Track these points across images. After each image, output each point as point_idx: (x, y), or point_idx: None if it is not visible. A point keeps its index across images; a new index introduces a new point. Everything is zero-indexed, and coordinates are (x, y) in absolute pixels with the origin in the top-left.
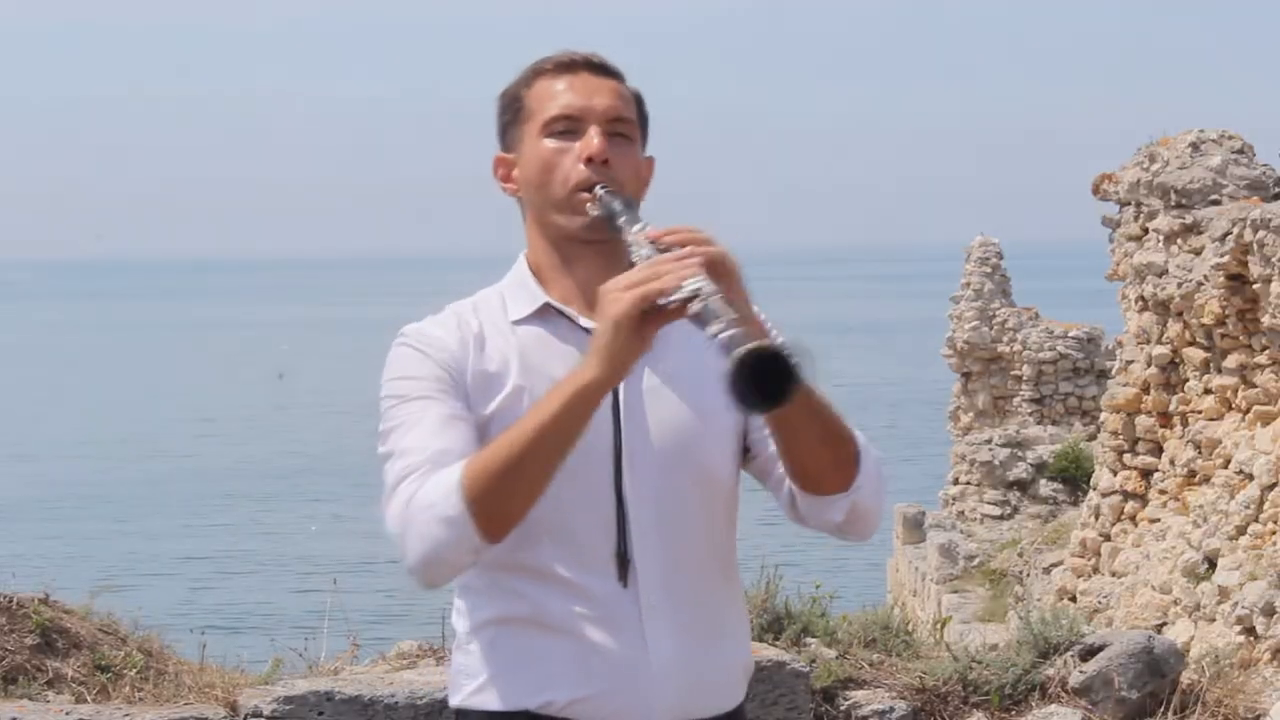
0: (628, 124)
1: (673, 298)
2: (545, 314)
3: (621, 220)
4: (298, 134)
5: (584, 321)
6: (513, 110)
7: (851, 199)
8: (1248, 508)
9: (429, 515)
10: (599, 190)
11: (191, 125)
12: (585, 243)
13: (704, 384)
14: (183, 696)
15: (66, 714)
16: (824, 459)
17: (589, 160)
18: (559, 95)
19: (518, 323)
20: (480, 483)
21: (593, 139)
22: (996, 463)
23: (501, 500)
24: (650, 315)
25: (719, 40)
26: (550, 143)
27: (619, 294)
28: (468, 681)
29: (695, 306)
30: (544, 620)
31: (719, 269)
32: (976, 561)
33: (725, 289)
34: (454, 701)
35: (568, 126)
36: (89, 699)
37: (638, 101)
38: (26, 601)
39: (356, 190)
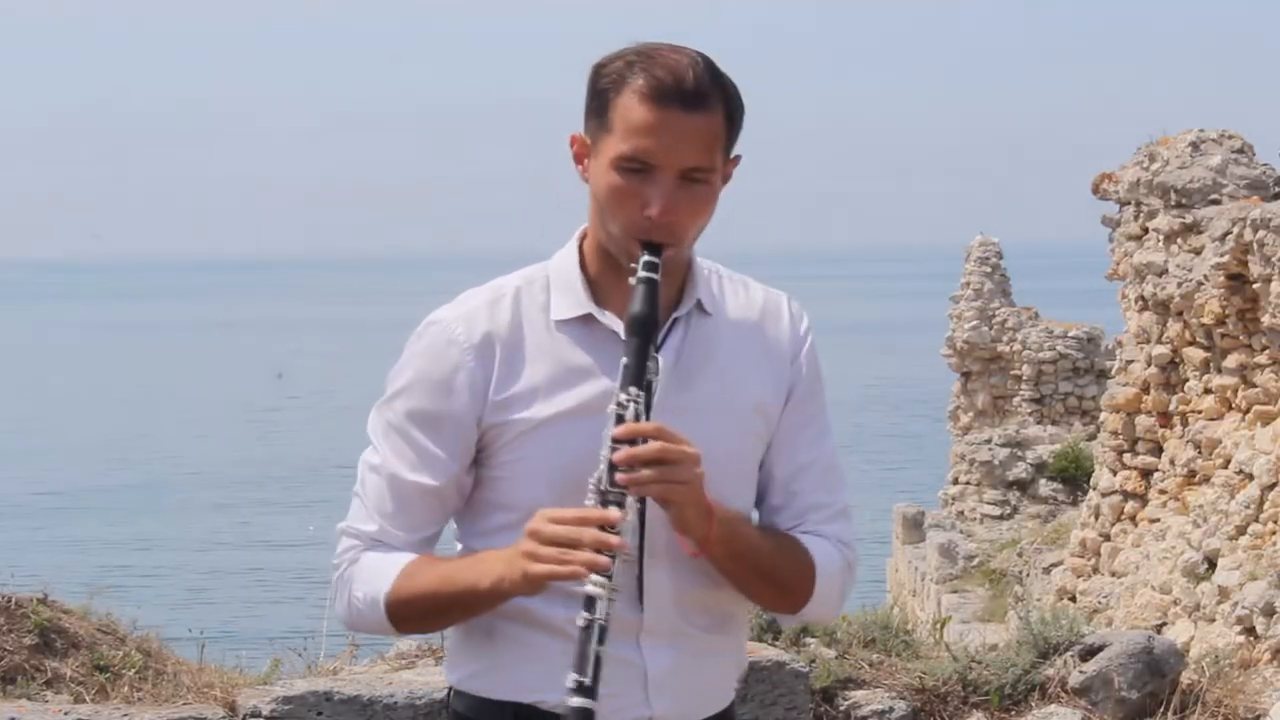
0: (705, 171)
1: (575, 587)
2: (588, 322)
3: (622, 362)
4: (298, 134)
5: (624, 333)
6: (598, 102)
7: (851, 199)
8: (1248, 508)
9: (354, 605)
10: (641, 271)
11: (191, 124)
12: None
13: (732, 418)
14: (181, 696)
15: (65, 714)
16: (768, 599)
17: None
18: (640, 132)
19: (559, 324)
20: (400, 609)
21: (659, 197)
22: (996, 462)
23: (415, 626)
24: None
25: (718, 35)
26: (618, 177)
27: (535, 552)
28: (465, 664)
29: (580, 619)
30: (543, 621)
31: (670, 497)
32: (976, 561)
33: (672, 511)
34: (450, 679)
35: (640, 167)
36: (88, 699)
37: (729, 112)
38: (25, 601)
39: (357, 190)
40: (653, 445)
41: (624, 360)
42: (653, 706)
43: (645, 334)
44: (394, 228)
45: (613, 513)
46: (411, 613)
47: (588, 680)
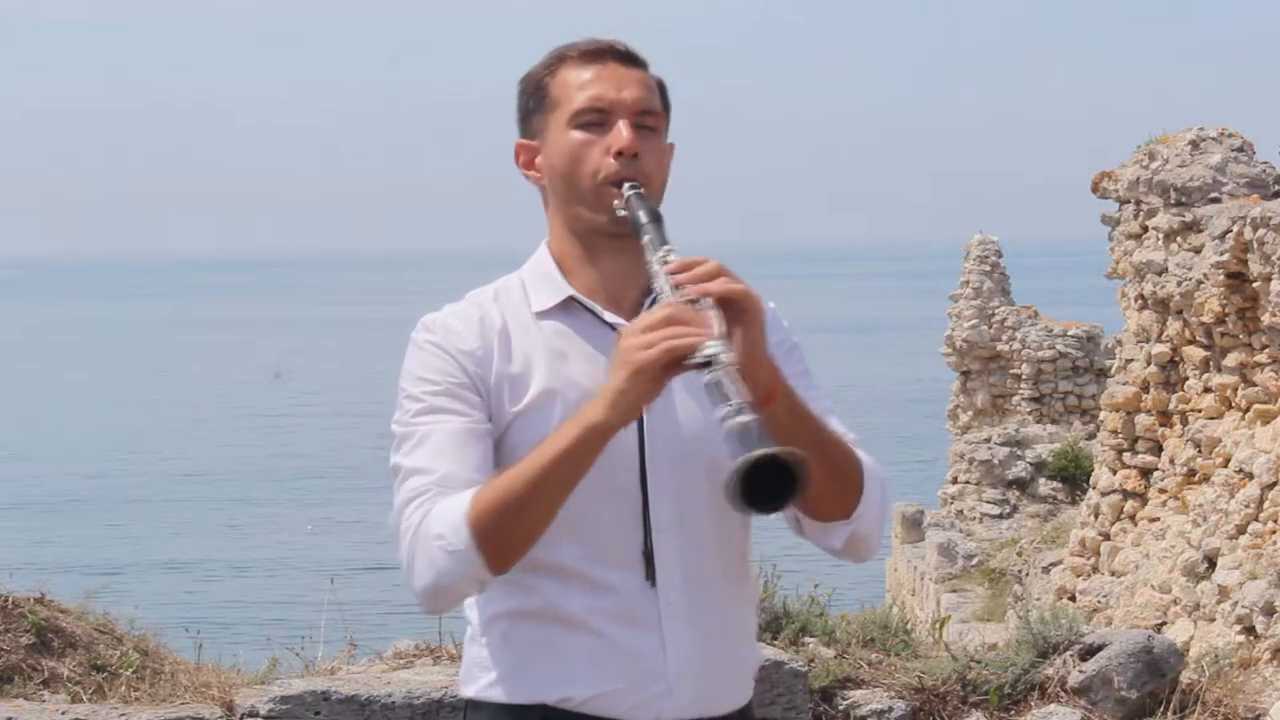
0: (655, 116)
1: (690, 360)
2: (569, 307)
3: (646, 239)
4: (296, 132)
5: (608, 316)
6: (536, 97)
7: (850, 197)
8: (1247, 506)
9: (436, 546)
10: (628, 191)
11: (189, 123)
12: (611, 236)
13: None
14: (179, 696)
15: (62, 714)
16: (825, 488)
17: (618, 154)
18: (587, 85)
19: (540, 315)
20: (487, 518)
21: (622, 132)
22: (995, 461)
23: (507, 535)
24: (667, 367)
25: (718, 34)
26: (578, 134)
27: (640, 343)
28: (482, 674)
29: (708, 376)
30: (561, 615)
31: (735, 309)
32: (975, 561)
33: (741, 330)
34: (467, 693)
35: (596, 119)
36: (85, 699)
37: (661, 89)
38: (22, 601)
39: (356, 188)
40: (713, 262)
41: (642, 219)
42: (675, 695)
43: (658, 217)
44: (393, 227)
45: (689, 308)
46: (499, 519)
47: (743, 406)
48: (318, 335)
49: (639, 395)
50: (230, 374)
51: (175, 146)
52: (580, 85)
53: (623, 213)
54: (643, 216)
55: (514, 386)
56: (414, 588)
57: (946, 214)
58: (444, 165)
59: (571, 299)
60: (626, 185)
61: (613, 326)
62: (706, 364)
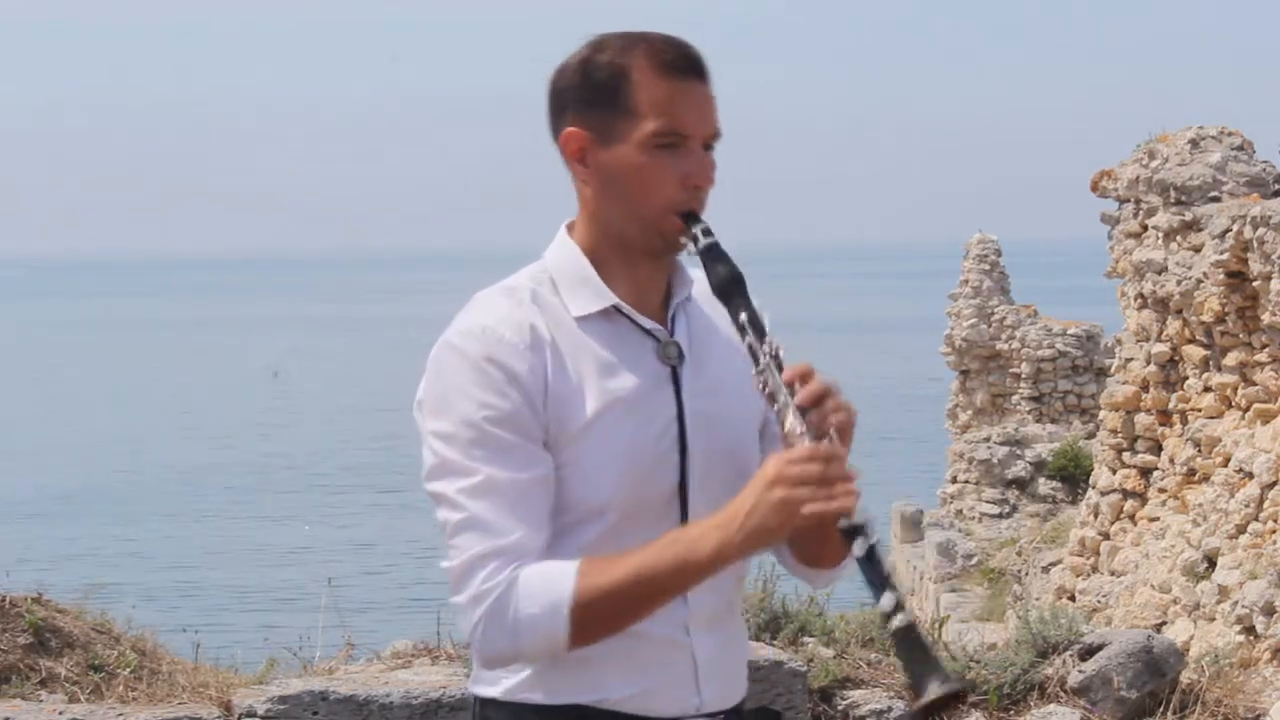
0: (718, 139)
1: (840, 524)
2: (608, 314)
3: (742, 317)
4: (297, 132)
5: (645, 323)
6: (607, 91)
7: (850, 197)
8: (1247, 506)
9: (528, 627)
10: (703, 240)
11: (186, 122)
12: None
13: (745, 393)
14: (176, 696)
15: (60, 714)
16: (829, 550)
17: (695, 186)
18: (668, 106)
19: (580, 320)
20: (591, 612)
21: (703, 165)
22: (995, 461)
23: (606, 629)
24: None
25: (715, 33)
26: (651, 156)
27: (797, 497)
28: (509, 674)
29: (857, 549)
30: None
31: (851, 426)
32: (975, 560)
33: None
34: (490, 693)
35: (673, 141)
36: (82, 699)
37: None
38: (19, 601)
39: (356, 189)
40: (826, 379)
41: (743, 316)
42: (702, 694)
43: (744, 288)
44: (393, 226)
45: (840, 448)
46: (603, 612)
47: (900, 594)
48: (318, 335)
49: (775, 539)
50: (229, 374)
51: (175, 146)
52: (661, 103)
53: (692, 253)
54: (726, 281)
55: (569, 404)
56: (484, 652)
57: (946, 214)
58: (444, 164)
59: (614, 307)
60: (701, 229)
61: (649, 333)
62: (853, 531)
